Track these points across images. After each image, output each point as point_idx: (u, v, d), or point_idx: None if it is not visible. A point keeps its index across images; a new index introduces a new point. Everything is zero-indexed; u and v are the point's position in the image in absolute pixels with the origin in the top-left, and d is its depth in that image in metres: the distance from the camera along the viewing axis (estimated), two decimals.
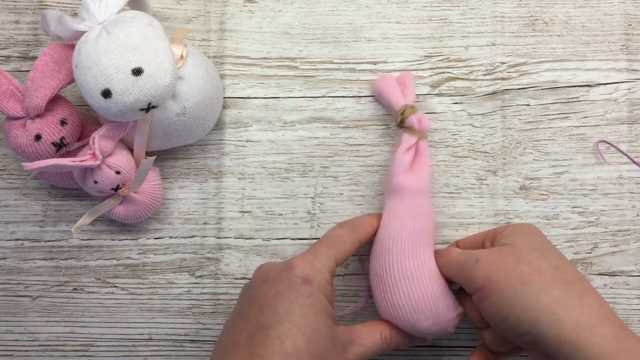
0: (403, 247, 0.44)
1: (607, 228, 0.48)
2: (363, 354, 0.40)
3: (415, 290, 0.43)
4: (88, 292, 0.49)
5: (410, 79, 0.48)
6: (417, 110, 0.46)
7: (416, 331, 0.43)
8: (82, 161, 0.42)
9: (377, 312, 0.45)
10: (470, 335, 0.48)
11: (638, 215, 0.49)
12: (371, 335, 0.41)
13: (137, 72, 0.39)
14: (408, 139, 0.45)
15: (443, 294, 0.43)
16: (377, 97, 0.49)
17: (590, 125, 0.49)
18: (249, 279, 0.49)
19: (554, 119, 0.49)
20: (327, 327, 0.38)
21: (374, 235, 0.45)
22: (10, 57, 0.50)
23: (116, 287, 0.49)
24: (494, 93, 0.49)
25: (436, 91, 0.50)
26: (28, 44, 0.51)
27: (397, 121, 0.46)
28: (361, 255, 0.49)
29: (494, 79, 0.50)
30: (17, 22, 0.51)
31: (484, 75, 0.50)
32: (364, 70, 0.50)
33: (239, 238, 0.49)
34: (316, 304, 0.38)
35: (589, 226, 0.48)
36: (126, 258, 0.49)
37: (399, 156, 0.45)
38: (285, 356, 0.35)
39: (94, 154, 0.42)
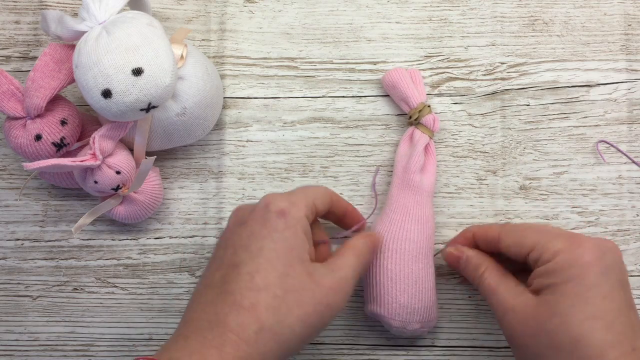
0: (418, 249, 0.44)
1: (606, 228, 0.48)
2: (347, 277, 0.38)
3: (422, 293, 0.44)
4: (88, 292, 0.49)
5: (420, 76, 0.48)
6: (429, 110, 0.47)
7: (399, 330, 0.44)
8: (82, 161, 0.42)
9: (365, 301, 0.45)
10: (470, 335, 0.48)
11: (638, 215, 0.49)
12: (347, 258, 0.40)
13: (138, 72, 0.39)
14: (423, 137, 0.46)
15: (436, 300, 0.45)
16: (389, 89, 0.49)
17: (590, 125, 0.49)
18: None
19: (553, 119, 0.49)
20: (302, 261, 0.37)
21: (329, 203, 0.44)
22: (11, 57, 0.50)
23: (116, 287, 0.49)
24: (493, 93, 0.50)
25: (436, 91, 0.50)
26: (28, 44, 0.51)
27: (413, 117, 0.47)
28: None
29: (494, 79, 0.50)
30: (17, 22, 0.51)
31: (484, 75, 0.50)
32: (364, 70, 0.50)
33: None
34: (290, 237, 0.37)
35: (589, 226, 0.49)
36: (126, 258, 0.49)
37: (418, 154, 0.46)
38: (256, 290, 0.35)
39: (94, 154, 0.42)
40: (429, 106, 0.47)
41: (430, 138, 0.47)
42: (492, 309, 0.40)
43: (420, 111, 0.47)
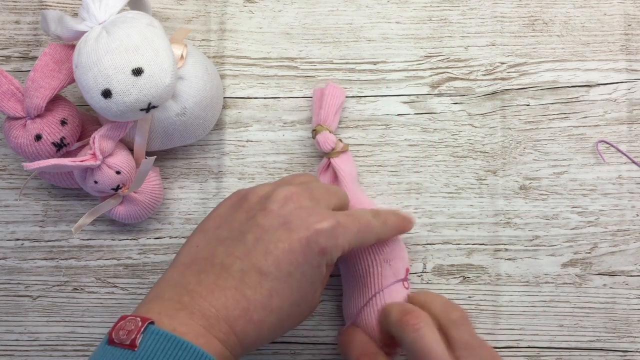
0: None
1: (606, 228, 0.48)
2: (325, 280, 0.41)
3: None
4: (88, 292, 0.49)
5: (331, 91, 0.47)
6: (322, 130, 0.46)
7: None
8: (82, 161, 0.42)
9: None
10: None
11: (638, 215, 0.49)
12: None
13: (137, 72, 0.39)
14: (322, 161, 0.47)
15: None
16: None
17: (589, 126, 0.49)
18: None
19: (553, 119, 0.49)
20: (314, 292, 0.39)
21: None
22: (11, 57, 0.50)
23: (116, 287, 0.49)
24: (494, 93, 0.50)
25: (436, 91, 0.50)
26: (28, 44, 0.51)
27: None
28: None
29: (494, 79, 0.50)
30: (17, 22, 0.51)
31: (484, 75, 0.50)
32: (364, 70, 0.50)
33: None
34: (317, 275, 0.38)
35: (589, 226, 0.49)
36: (126, 258, 0.49)
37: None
38: (269, 310, 0.36)
39: (94, 154, 0.42)
40: (315, 129, 0.46)
41: (332, 157, 0.46)
42: None
43: (313, 138, 0.47)
